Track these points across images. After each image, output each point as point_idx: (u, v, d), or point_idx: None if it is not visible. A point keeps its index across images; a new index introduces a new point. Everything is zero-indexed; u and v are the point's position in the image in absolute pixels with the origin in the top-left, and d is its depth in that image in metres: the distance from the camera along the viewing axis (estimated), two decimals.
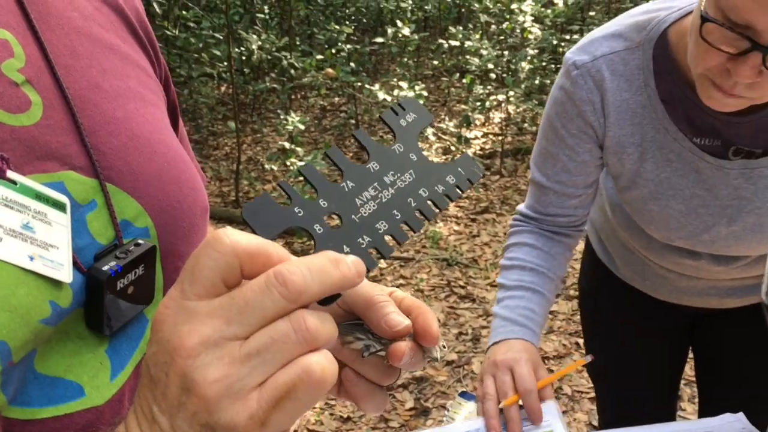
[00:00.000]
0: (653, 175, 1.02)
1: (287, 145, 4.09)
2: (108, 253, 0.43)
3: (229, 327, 0.31)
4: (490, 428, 0.95)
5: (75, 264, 0.41)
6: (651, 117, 0.99)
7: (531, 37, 4.83)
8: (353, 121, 5.40)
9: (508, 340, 1.04)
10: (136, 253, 0.44)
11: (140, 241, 0.45)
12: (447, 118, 5.35)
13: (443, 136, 4.82)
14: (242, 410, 0.30)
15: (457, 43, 5.04)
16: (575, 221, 1.14)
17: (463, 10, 6.81)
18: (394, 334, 0.43)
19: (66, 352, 0.41)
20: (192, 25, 5.09)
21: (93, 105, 0.45)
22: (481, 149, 5.00)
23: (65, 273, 0.40)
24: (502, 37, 5.21)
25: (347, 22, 5.65)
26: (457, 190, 0.45)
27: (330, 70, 4.68)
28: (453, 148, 4.82)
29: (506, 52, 4.94)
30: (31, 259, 0.38)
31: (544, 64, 4.90)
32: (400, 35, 4.93)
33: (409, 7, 5.91)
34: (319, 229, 0.40)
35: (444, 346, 0.46)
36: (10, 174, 0.39)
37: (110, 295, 0.41)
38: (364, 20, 6.91)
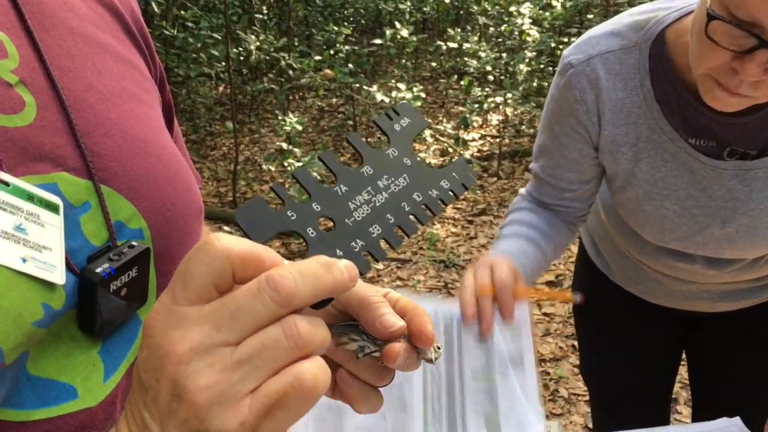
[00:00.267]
0: (648, 175, 1.02)
1: (285, 145, 4.09)
2: (101, 254, 0.43)
3: (219, 333, 0.31)
4: (464, 316, 0.94)
5: (68, 265, 0.41)
6: (646, 117, 0.99)
7: (529, 39, 4.84)
8: (351, 122, 5.41)
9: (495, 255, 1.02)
10: (129, 255, 0.43)
11: (134, 243, 0.44)
12: (445, 120, 5.36)
13: (441, 138, 4.82)
14: (233, 418, 0.30)
15: (456, 45, 5.05)
16: (573, 212, 1.14)
17: (461, 12, 6.82)
18: (388, 335, 0.42)
19: (59, 354, 0.41)
20: (190, 25, 5.09)
21: (87, 106, 0.45)
22: (479, 151, 5.00)
23: (58, 275, 0.40)
24: (500, 40, 5.21)
25: (346, 23, 5.66)
26: (452, 195, 0.45)
27: (328, 71, 4.68)
28: (450, 149, 4.82)
29: (504, 55, 4.95)
30: (24, 261, 0.38)
31: (542, 66, 4.90)
32: (398, 37, 4.93)
33: (408, 9, 5.92)
34: (312, 233, 0.40)
35: (439, 348, 0.45)
36: (3, 175, 0.39)
37: (103, 297, 0.41)
38: (363, 21, 6.91)
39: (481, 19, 5.44)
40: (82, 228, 0.43)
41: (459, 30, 5.25)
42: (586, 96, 1.01)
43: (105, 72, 0.48)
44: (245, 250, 0.33)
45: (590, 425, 2.33)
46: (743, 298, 1.20)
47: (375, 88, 4.47)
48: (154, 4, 4.76)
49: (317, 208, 0.40)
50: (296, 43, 5.87)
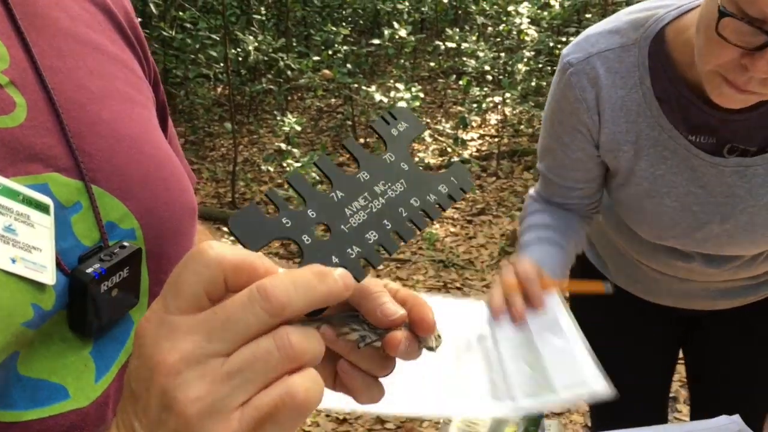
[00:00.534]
0: (648, 173, 1.02)
1: (284, 146, 4.09)
2: (92, 255, 0.43)
3: (210, 343, 0.31)
4: (493, 312, 0.95)
5: (59, 266, 0.41)
6: (646, 114, 0.99)
7: (527, 39, 4.84)
8: (350, 123, 5.41)
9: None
10: (121, 255, 0.43)
11: (125, 244, 0.44)
12: (443, 120, 5.36)
13: (440, 138, 4.82)
14: (223, 430, 0.30)
15: (454, 45, 5.05)
16: (584, 208, 1.14)
17: (459, 11, 6.82)
18: (389, 323, 0.42)
19: (50, 354, 0.41)
20: (189, 26, 5.09)
21: (79, 106, 0.45)
22: (478, 151, 5.00)
23: (48, 275, 0.40)
24: (498, 39, 5.22)
25: (344, 24, 5.66)
26: (450, 199, 0.45)
27: (327, 72, 4.68)
28: (449, 149, 4.83)
29: (503, 54, 4.95)
30: (13, 261, 0.38)
31: (540, 66, 4.91)
32: (396, 37, 4.93)
33: (406, 9, 5.92)
34: (307, 240, 0.39)
35: (439, 336, 0.45)
36: None
37: (94, 298, 0.41)
38: (361, 22, 6.92)
39: (480, 19, 5.44)
40: (73, 228, 0.42)
41: (457, 30, 5.25)
42: (587, 95, 1.00)
43: (97, 72, 0.47)
44: (238, 258, 0.32)
45: (590, 424, 2.33)
46: (741, 296, 1.20)
47: (373, 88, 4.47)
48: (152, 5, 4.76)
49: (312, 214, 0.40)
50: (294, 44, 5.87)
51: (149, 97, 0.54)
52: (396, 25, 5.05)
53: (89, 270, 0.41)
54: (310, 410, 0.32)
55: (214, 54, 4.99)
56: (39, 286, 0.39)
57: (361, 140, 5.31)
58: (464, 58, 5.00)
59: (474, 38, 5.11)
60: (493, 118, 5.39)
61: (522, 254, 1.09)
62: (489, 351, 0.92)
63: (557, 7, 5.11)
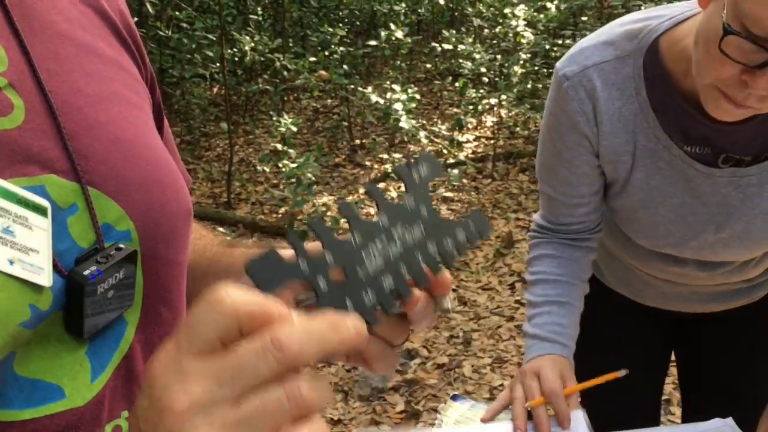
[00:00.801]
0: (643, 183, 1.03)
1: (279, 146, 4.08)
2: (89, 257, 0.43)
3: (221, 389, 0.31)
4: (518, 428, 1.00)
5: (55, 267, 0.41)
6: (642, 125, 0.99)
7: (524, 41, 4.85)
8: (346, 124, 5.41)
9: (539, 357, 1.07)
10: (117, 257, 0.43)
11: (121, 246, 0.45)
12: (439, 122, 5.37)
13: (435, 140, 4.83)
14: None
15: (450, 47, 5.06)
16: (590, 225, 1.14)
17: (456, 13, 6.83)
18: (408, 283, 0.44)
19: (46, 354, 0.41)
20: (185, 25, 5.08)
21: (75, 109, 0.45)
22: (473, 152, 5.01)
23: (45, 277, 0.40)
24: (495, 41, 5.23)
25: (340, 25, 5.66)
26: (467, 245, 0.46)
27: (323, 72, 4.68)
28: (445, 151, 4.83)
29: (499, 56, 4.96)
30: (11, 263, 0.38)
31: (536, 68, 4.92)
32: (393, 38, 4.94)
33: (403, 10, 5.93)
34: (323, 284, 0.40)
35: (454, 299, 0.47)
36: None
37: (90, 299, 0.41)
38: (358, 23, 6.92)
39: (476, 21, 5.45)
40: (70, 230, 0.43)
41: (454, 32, 5.26)
42: (585, 107, 1.00)
43: (94, 75, 0.48)
44: (254, 306, 0.33)
45: None
46: (733, 299, 1.21)
47: (370, 89, 4.47)
48: (148, 5, 4.76)
49: (330, 258, 0.41)
50: (291, 44, 5.87)
51: (146, 99, 0.54)
52: (392, 26, 5.05)
53: (86, 272, 0.41)
54: None
55: (211, 54, 4.99)
56: (36, 288, 0.40)
57: (357, 141, 5.32)
58: (460, 60, 5.01)
59: (470, 40, 5.12)
60: (489, 120, 5.40)
61: (532, 318, 1.12)
62: None
63: (553, 9, 5.12)
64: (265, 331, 0.32)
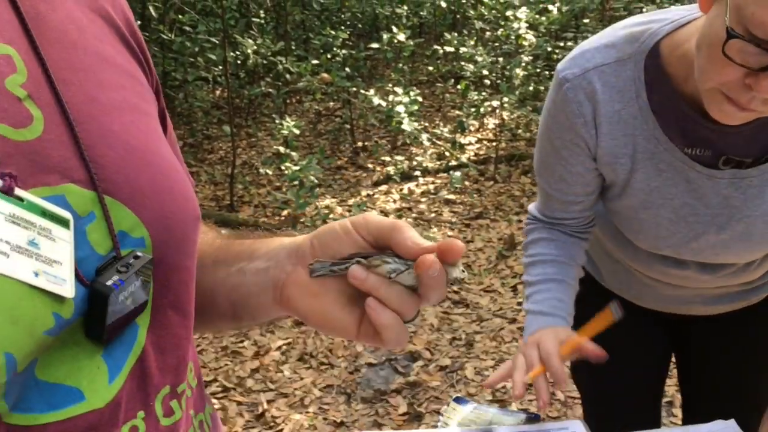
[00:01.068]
0: (644, 185, 1.03)
1: (282, 149, 4.09)
2: (109, 265, 0.44)
3: None
4: (515, 396, 1.03)
5: (76, 276, 0.42)
6: (642, 128, 1.00)
7: (525, 43, 4.86)
8: (348, 126, 5.41)
9: (539, 330, 1.08)
10: (136, 266, 0.44)
11: (139, 254, 0.45)
12: (441, 124, 5.37)
13: (438, 142, 4.83)
14: None
15: (452, 50, 5.06)
16: (583, 222, 1.16)
17: (458, 16, 6.84)
18: (421, 250, 0.48)
19: (65, 358, 0.42)
20: (188, 29, 5.10)
21: (91, 118, 0.46)
22: (476, 155, 5.01)
23: (68, 288, 0.41)
24: (496, 44, 5.23)
25: (343, 28, 5.67)
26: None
27: (325, 75, 4.69)
28: (447, 153, 4.84)
29: (501, 59, 4.97)
30: (36, 275, 0.39)
31: (538, 70, 4.92)
32: (395, 41, 4.95)
33: (405, 13, 5.94)
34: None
35: (464, 270, 0.51)
36: (18, 191, 0.40)
37: (112, 308, 0.42)
38: (360, 25, 6.93)
39: (478, 24, 5.46)
40: (88, 238, 0.44)
41: (456, 34, 5.27)
42: (584, 109, 1.01)
43: (106, 84, 0.48)
44: None
45: None
46: (734, 301, 1.21)
47: (372, 91, 4.48)
48: (151, 8, 4.77)
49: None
50: (293, 47, 5.88)
51: (153, 105, 0.55)
52: (395, 29, 5.06)
53: (109, 282, 0.42)
54: None
55: (213, 57, 5.00)
56: (59, 297, 0.40)
57: (359, 143, 5.33)
58: (462, 63, 5.02)
59: (472, 43, 5.13)
60: (491, 122, 5.40)
61: (530, 296, 1.14)
62: None
63: (555, 12, 5.13)
64: None
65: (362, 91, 4.62)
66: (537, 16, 5.06)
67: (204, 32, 4.97)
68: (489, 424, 1.19)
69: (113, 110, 0.48)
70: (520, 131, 5.15)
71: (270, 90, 5.44)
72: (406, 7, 5.99)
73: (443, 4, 6.16)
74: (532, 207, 1.21)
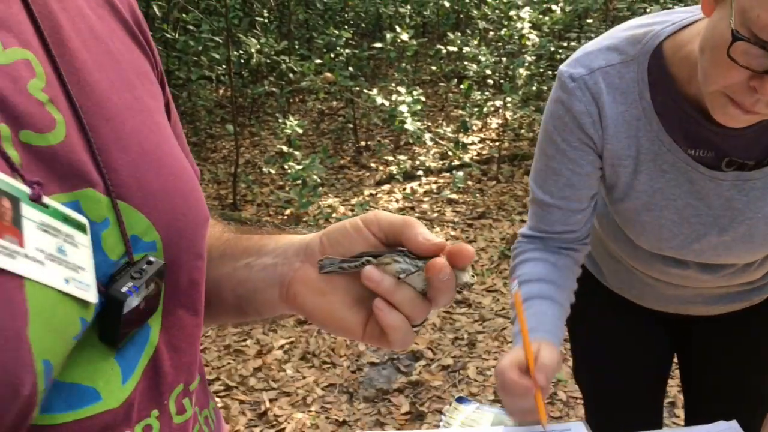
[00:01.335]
0: (647, 186, 1.03)
1: (285, 148, 4.10)
2: (123, 271, 0.44)
3: None
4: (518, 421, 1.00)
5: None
6: (646, 129, 1.00)
7: (529, 43, 4.86)
8: (351, 126, 5.42)
9: (516, 347, 1.00)
10: (149, 272, 0.45)
11: (152, 259, 0.46)
12: (444, 124, 5.37)
13: (440, 142, 4.83)
14: None
15: (456, 49, 5.07)
16: (580, 236, 1.12)
17: (461, 16, 6.84)
18: (431, 246, 0.48)
19: (82, 360, 0.42)
20: (191, 28, 5.10)
21: (104, 121, 0.45)
22: (478, 155, 5.01)
23: (92, 294, 0.41)
24: (500, 44, 5.23)
25: (346, 27, 5.68)
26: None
27: (328, 75, 4.70)
28: (450, 153, 4.84)
29: (504, 59, 4.97)
30: (67, 281, 0.40)
31: (541, 70, 4.92)
32: (398, 40, 4.95)
33: (408, 13, 5.94)
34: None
35: (474, 275, 0.51)
36: (45, 199, 0.40)
37: (126, 313, 0.43)
38: (363, 25, 6.93)
39: (481, 24, 5.46)
40: (102, 243, 0.44)
41: (459, 34, 5.27)
42: (591, 108, 1.00)
43: (118, 84, 0.48)
44: None
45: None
46: (735, 301, 1.21)
47: (375, 91, 4.48)
48: (155, 7, 4.78)
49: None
50: (297, 47, 5.89)
51: (161, 100, 0.55)
52: (398, 28, 5.07)
53: (124, 289, 0.43)
54: None
55: (217, 56, 5.01)
56: (84, 302, 0.41)
57: (362, 143, 5.33)
58: (465, 63, 5.02)
59: (475, 42, 5.13)
60: (494, 122, 5.40)
61: (514, 314, 1.04)
62: None
63: (558, 12, 5.13)
64: None
65: (365, 91, 4.63)
66: (540, 16, 5.06)
67: (207, 31, 4.98)
68: (491, 424, 1.19)
69: (125, 111, 0.48)
70: (522, 131, 5.15)
71: (273, 89, 5.45)
72: (409, 7, 6.00)
73: (446, 4, 6.17)
74: (523, 230, 1.15)
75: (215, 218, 0.67)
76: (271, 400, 2.65)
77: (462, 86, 4.99)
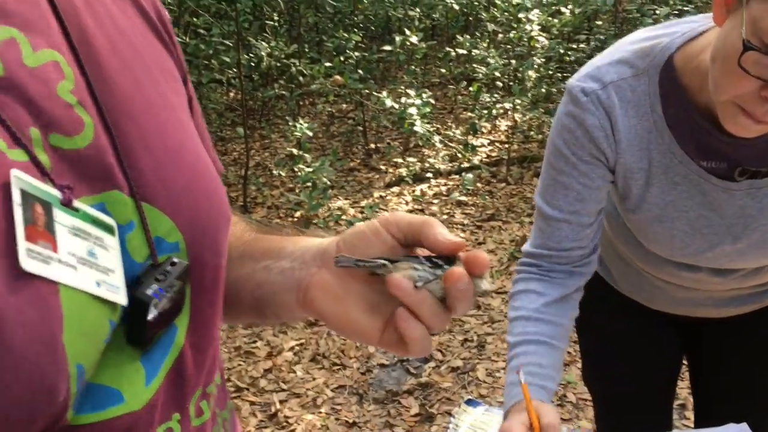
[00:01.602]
0: (659, 199, 1.03)
1: (295, 151, 4.12)
2: (148, 273, 0.44)
3: None
4: None
5: None
6: (657, 142, 1.00)
7: (538, 46, 4.85)
8: (361, 128, 5.43)
9: (513, 405, 0.99)
10: (174, 273, 0.45)
11: (175, 260, 0.46)
12: (454, 126, 5.38)
13: (450, 144, 4.84)
14: None
15: (465, 52, 5.07)
16: (588, 252, 1.10)
17: (470, 18, 6.84)
18: (450, 245, 0.49)
19: (108, 361, 0.42)
20: (202, 31, 5.13)
21: (129, 120, 0.45)
22: (488, 157, 5.01)
23: (122, 296, 0.42)
24: (509, 46, 5.23)
25: (355, 30, 5.69)
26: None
27: (338, 77, 4.71)
28: (459, 155, 4.84)
29: (513, 61, 4.97)
30: (98, 285, 0.40)
31: (550, 72, 4.92)
32: (407, 43, 4.96)
33: (417, 16, 5.95)
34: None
35: (492, 282, 0.50)
36: (75, 202, 0.40)
37: (152, 315, 0.43)
38: (372, 28, 6.95)
39: (490, 26, 5.46)
40: (127, 245, 0.44)
41: (468, 37, 5.28)
42: (604, 122, 0.99)
43: (143, 81, 0.48)
44: None
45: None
46: (746, 304, 1.21)
47: (384, 93, 4.49)
48: (166, 11, 4.80)
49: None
50: (306, 50, 5.91)
51: (184, 96, 0.54)
52: (407, 31, 5.08)
53: (149, 291, 0.43)
54: None
55: (227, 59, 5.04)
56: (113, 305, 0.41)
57: (372, 145, 5.34)
58: (475, 65, 5.02)
59: (484, 45, 5.13)
60: (504, 124, 5.40)
61: (513, 357, 1.04)
62: None
63: (568, 14, 5.12)
64: None
65: (375, 93, 4.64)
66: (549, 19, 5.05)
67: (218, 35, 5.01)
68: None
69: (150, 108, 0.47)
70: (532, 133, 5.15)
71: (283, 92, 5.47)
72: (418, 10, 6.00)
73: (456, 7, 6.17)
74: (528, 247, 1.11)
75: (238, 215, 0.66)
76: (281, 402, 2.66)
77: (471, 88, 4.99)
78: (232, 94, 6.25)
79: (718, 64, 0.86)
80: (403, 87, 5.12)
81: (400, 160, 4.98)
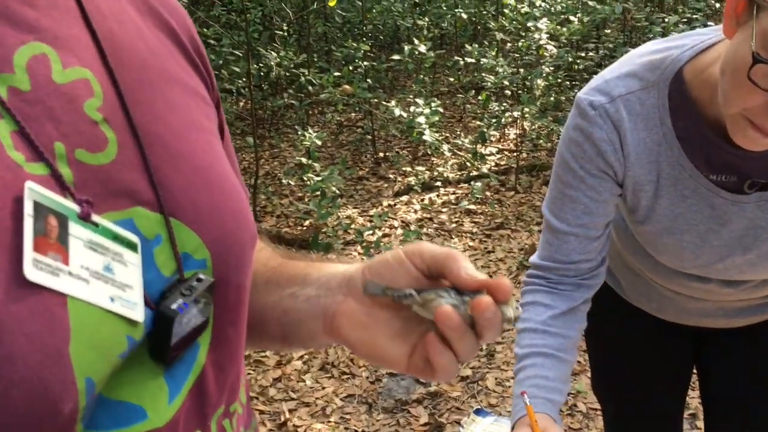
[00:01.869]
0: (668, 211, 1.02)
1: (304, 160, 4.13)
2: (173, 288, 0.44)
3: None
4: None
5: (144, 298, 0.43)
6: (667, 155, 0.99)
7: (547, 54, 4.86)
8: (369, 137, 5.45)
9: (520, 420, 0.98)
10: (199, 289, 0.45)
11: (201, 276, 0.46)
12: (462, 134, 5.38)
13: (459, 152, 4.85)
14: None
15: (473, 61, 5.08)
16: (595, 265, 1.09)
17: (479, 27, 6.86)
18: (475, 284, 0.50)
19: (130, 378, 0.43)
20: (212, 42, 5.18)
21: (160, 140, 0.46)
22: (497, 165, 5.02)
23: (138, 312, 0.42)
24: (517, 55, 5.24)
25: (364, 40, 5.73)
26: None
27: (347, 87, 4.74)
28: (468, 164, 4.85)
29: (522, 70, 4.97)
30: (112, 300, 0.40)
31: (559, 81, 4.92)
32: (416, 52, 4.98)
33: (426, 25, 5.97)
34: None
35: (518, 308, 0.52)
36: (94, 217, 0.40)
37: (176, 330, 0.43)
38: (381, 37, 6.98)
39: (499, 35, 5.47)
40: (155, 260, 0.44)
41: (476, 45, 5.29)
42: (612, 136, 0.99)
43: (175, 104, 0.49)
44: None
45: None
46: (756, 314, 1.20)
47: (393, 103, 4.51)
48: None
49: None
50: (316, 59, 5.95)
51: (215, 121, 0.55)
52: (416, 41, 5.10)
53: (174, 306, 0.43)
54: None
55: (237, 69, 5.07)
56: (132, 321, 0.41)
57: (381, 154, 5.36)
58: (483, 74, 5.03)
59: (493, 54, 5.14)
60: (512, 132, 5.40)
61: (520, 370, 1.04)
62: None
63: (576, 23, 5.13)
64: None
65: (383, 102, 4.66)
66: (558, 27, 5.06)
67: (228, 45, 5.05)
68: None
69: (181, 131, 0.48)
70: (541, 141, 5.14)
71: (292, 101, 5.50)
72: (427, 19, 6.03)
73: (464, 16, 6.19)
74: (536, 259, 1.10)
75: (264, 240, 0.67)
76: (290, 411, 2.67)
77: (480, 97, 5.00)
78: (241, 104, 6.29)
79: (728, 77, 0.86)
80: (411, 96, 5.13)
81: (408, 169, 4.99)
